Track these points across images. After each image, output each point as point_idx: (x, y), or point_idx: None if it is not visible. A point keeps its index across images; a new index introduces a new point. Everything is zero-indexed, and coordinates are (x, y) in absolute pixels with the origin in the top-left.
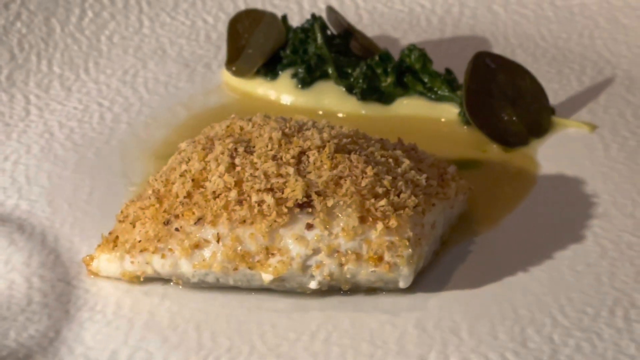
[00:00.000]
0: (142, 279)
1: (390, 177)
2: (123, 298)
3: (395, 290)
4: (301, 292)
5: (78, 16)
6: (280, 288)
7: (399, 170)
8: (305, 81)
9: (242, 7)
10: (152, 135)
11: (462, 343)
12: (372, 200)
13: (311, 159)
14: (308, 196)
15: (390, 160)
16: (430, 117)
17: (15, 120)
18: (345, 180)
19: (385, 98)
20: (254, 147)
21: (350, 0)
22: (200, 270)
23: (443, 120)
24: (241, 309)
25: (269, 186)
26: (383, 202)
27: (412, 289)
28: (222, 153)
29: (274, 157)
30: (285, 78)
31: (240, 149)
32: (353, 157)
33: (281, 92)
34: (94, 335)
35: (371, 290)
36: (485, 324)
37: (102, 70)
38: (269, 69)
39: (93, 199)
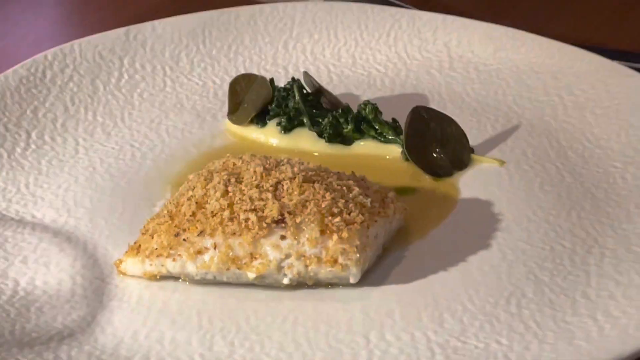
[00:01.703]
0: (158, 277)
1: (343, 201)
2: (143, 291)
3: (347, 284)
4: (277, 286)
5: (117, 78)
6: (261, 283)
7: (350, 195)
8: (287, 128)
9: (241, 71)
10: (170, 169)
11: (395, 324)
12: (330, 218)
13: (285, 187)
14: (282, 215)
15: (344, 188)
16: (380, 155)
17: (67, 157)
18: (310, 202)
19: (347, 141)
20: (242, 178)
21: (324, 65)
22: (202, 270)
23: (389, 157)
24: (231, 299)
25: (253, 207)
26: (338, 219)
27: (359, 284)
28: (219, 182)
29: (257, 186)
30: (272, 125)
31: (232, 180)
32: (316, 185)
33: (269, 136)
34: (121, 319)
35: (329, 284)
36: (413, 310)
37: (134, 119)
38: (260, 119)
39: (124, 217)
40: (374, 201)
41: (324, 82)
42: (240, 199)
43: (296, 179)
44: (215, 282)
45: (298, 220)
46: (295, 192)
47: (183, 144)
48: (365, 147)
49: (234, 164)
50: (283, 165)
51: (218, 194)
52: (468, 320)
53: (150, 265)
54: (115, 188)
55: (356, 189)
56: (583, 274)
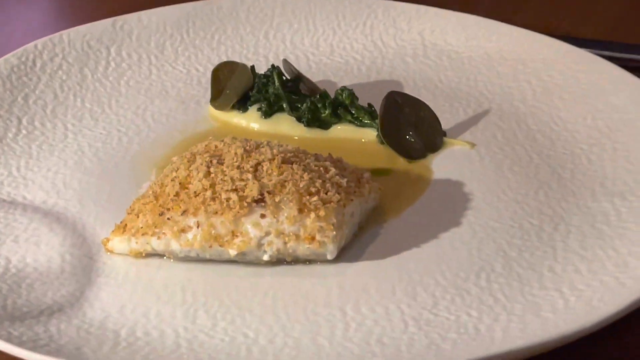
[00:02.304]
0: (144, 255)
1: (320, 181)
2: (130, 268)
3: (324, 261)
4: (257, 263)
5: (104, 67)
6: (242, 260)
7: (327, 175)
8: (267, 113)
9: (224, 59)
10: (156, 152)
11: (370, 298)
12: (307, 197)
13: (264, 168)
14: (262, 194)
15: (321, 168)
16: (356, 138)
17: (56, 142)
18: (289, 182)
19: (324, 125)
20: (224, 159)
21: (303, 54)
22: (186, 248)
23: (364, 140)
24: (214, 275)
25: (234, 187)
26: (315, 198)
27: (336, 260)
28: (201, 164)
29: (238, 167)
30: (253, 111)
31: (214, 161)
32: (294, 166)
33: (250, 121)
34: (108, 295)
35: (307, 261)
36: (387, 285)
37: (121, 106)
38: (241, 104)
39: (111, 198)
40: (350, 181)
41: (303, 70)
42: (221, 179)
43: (275, 160)
44: (198, 259)
45: (277, 199)
46: (275, 173)
47: (168, 128)
48: (342, 131)
49: (216, 147)
50: (263, 147)
51: (200, 174)
52: (440, 294)
53: (136, 243)
54: (103, 171)
55: (333, 170)
56: (550, 249)
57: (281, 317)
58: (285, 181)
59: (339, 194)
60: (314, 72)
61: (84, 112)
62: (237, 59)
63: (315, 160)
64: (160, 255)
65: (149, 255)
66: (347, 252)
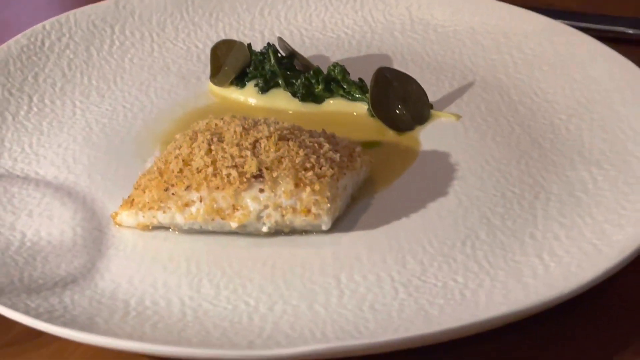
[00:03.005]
0: (150, 228)
1: (315, 156)
2: (137, 240)
3: (319, 231)
4: (256, 234)
5: (109, 45)
6: (243, 232)
7: (321, 151)
8: (264, 89)
9: (222, 36)
10: (159, 127)
11: (363, 266)
12: (303, 172)
13: (262, 145)
14: (260, 170)
15: (316, 144)
16: (348, 111)
17: (65, 119)
18: (285, 159)
19: (318, 100)
20: (224, 137)
21: (296, 30)
22: (189, 221)
23: (356, 114)
24: (217, 246)
25: (234, 164)
26: (310, 173)
27: (330, 230)
28: (203, 142)
29: (237, 144)
30: (250, 87)
31: (215, 139)
32: (290, 143)
33: (247, 96)
34: (118, 266)
35: (303, 232)
36: (378, 253)
37: (125, 82)
38: (239, 80)
39: (118, 173)
40: (343, 156)
41: (297, 45)
42: (222, 156)
43: (272, 137)
44: (202, 231)
45: (275, 175)
46: (272, 149)
47: (170, 104)
48: (334, 105)
49: (216, 125)
50: (260, 125)
51: (202, 152)
52: (428, 262)
53: (143, 217)
54: (110, 146)
55: (326, 145)
56: (531, 217)
57: (280, 286)
58: (282, 157)
59: (332, 168)
60: (307, 48)
61: (91, 89)
62: (234, 36)
63: (310, 137)
64: (165, 228)
65: (155, 228)
66: (341, 222)
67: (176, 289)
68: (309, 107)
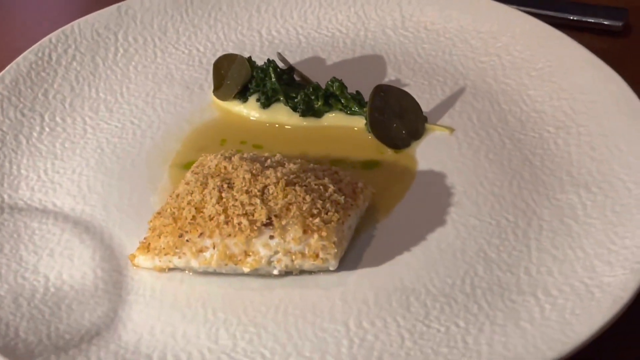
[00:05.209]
0: (167, 270)
1: (321, 201)
2: (155, 283)
3: (327, 271)
4: (268, 276)
5: (113, 53)
6: (254, 274)
7: (327, 194)
8: (265, 104)
9: (221, 36)
10: (168, 147)
11: (370, 311)
12: (310, 219)
13: (270, 191)
14: (269, 218)
15: (321, 187)
16: (347, 126)
17: (77, 138)
18: (293, 205)
19: (318, 114)
20: (234, 184)
21: (292, 27)
22: (204, 266)
23: (356, 129)
24: (230, 289)
25: (244, 212)
26: (317, 219)
27: (337, 270)
28: (214, 189)
29: (246, 191)
30: (252, 101)
31: (225, 186)
32: (297, 188)
33: (250, 110)
34: (138, 314)
35: (312, 272)
36: (384, 295)
37: (132, 93)
38: (242, 95)
39: (132, 203)
40: (347, 196)
41: (293, 44)
42: (233, 204)
43: (279, 184)
44: (215, 273)
45: (283, 222)
46: (280, 196)
47: (176, 119)
48: (334, 118)
49: (225, 168)
50: (268, 169)
51: (214, 200)
52: (431, 303)
53: (160, 261)
54: (122, 171)
55: (331, 187)
56: (525, 248)
57: (292, 335)
58: (289, 204)
59: (337, 212)
60: (303, 47)
61: (99, 102)
62: (232, 36)
63: (315, 179)
64: (181, 270)
65: (172, 270)
66: (347, 258)
67: (195, 340)
68: (309, 122)
